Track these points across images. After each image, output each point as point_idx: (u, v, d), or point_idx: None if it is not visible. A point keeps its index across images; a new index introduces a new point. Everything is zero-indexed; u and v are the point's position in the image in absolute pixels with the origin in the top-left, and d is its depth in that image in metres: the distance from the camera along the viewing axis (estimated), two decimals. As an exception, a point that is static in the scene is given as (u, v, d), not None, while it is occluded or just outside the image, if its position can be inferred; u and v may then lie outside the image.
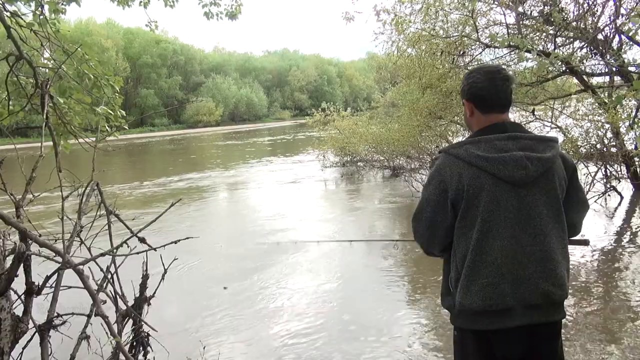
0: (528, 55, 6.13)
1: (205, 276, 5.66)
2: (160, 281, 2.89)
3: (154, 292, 2.94)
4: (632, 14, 5.82)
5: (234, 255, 6.56)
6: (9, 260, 2.18)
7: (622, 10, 6.19)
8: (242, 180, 15.12)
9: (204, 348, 3.43)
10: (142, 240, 2.76)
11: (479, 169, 1.67)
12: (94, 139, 2.97)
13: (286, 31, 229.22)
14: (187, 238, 2.49)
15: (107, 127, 3.05)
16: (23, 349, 2.44)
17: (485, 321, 1.70)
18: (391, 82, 15.42)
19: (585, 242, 2.10)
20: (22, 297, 2.31)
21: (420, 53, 8.23)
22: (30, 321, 2.32)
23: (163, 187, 13.94)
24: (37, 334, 2.40)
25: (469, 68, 8.37)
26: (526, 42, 5.96)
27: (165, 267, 2.90)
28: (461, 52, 7.93)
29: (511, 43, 6.38)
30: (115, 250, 2.50)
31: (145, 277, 2.93)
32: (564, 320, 1.83)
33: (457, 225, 1.73)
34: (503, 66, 1.83)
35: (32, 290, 2.27)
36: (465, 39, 7.55)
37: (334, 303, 4.60)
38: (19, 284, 2.27)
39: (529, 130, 1.85)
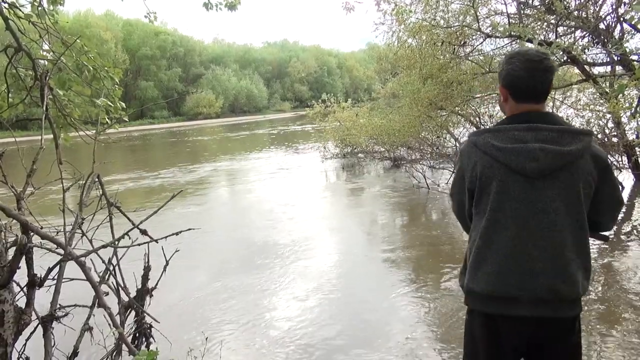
0: (529, 44, 6.09)
1: (207, 268, 5.68)
2: (162, 273, 2.90)
3: (156, 284, 2.95)
4: (634, 2, 5.78)
5: (235, 249, 6.58)
6: (11, 253, 2.19)
7: (624, -1, 6.14)
8: (242, 172, 15.12)
9: (206, 339, 3.45)
10: (144, 232, 2.77)
11: (492, 158, 1.67)
12: (94, 131, 2.97)
13: (286, 22, 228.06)
14: (189, 229, 2.51)
15: (107, 119, 3.04)
16: (26, 340, 2.46)
17: (493, 305, 1.70)
18: (392, 73, 15.33)
19: (604, 238, 1.98)
20: (25, 289, 2.32)
21: (420, 43, 8.20)
22: (33, 313, 2.33)
23: (164, 180, 13.94)
24: (40, 325, 2.41)
25: (469, 58, 8.35)
26: (528, 31, 5.93)
27: (167, 259, 2.91)
28: (462, 42, 7.90)
29: (512, 32, 6.35)
30: (116, 242, 2.51)
31: (147, 269, 2.94)
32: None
33: (472, 211, 1.78)
34: (547, 55, 1.68)
35: (34, 282, 2.28)
36: (466, 28, 7.51)
37: (336, 296, 4.61)
38: (21, 276, 2.27)
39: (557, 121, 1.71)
